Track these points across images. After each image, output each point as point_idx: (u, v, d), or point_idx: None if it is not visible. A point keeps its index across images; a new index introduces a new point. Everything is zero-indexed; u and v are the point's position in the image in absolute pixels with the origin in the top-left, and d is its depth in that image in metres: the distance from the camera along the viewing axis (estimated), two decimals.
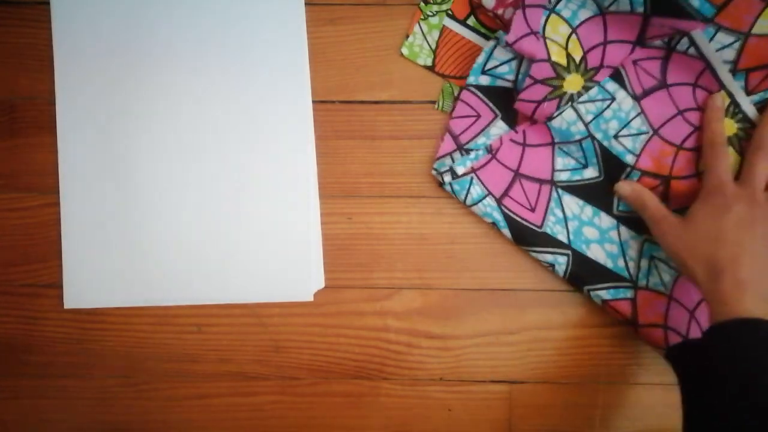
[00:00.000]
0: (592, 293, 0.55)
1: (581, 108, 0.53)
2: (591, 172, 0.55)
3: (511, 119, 0.56)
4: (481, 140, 0.56)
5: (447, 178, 0.55)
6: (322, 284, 0.58)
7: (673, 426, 0.58)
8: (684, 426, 0.48)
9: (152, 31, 0.58)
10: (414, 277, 0.58)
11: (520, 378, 0.58)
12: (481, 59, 0.55)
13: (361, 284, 0.58)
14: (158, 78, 0.58)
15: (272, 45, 0.58)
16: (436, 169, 0.56)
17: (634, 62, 0.52)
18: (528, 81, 0.52)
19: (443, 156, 0.56)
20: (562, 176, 0.56)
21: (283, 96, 0.58)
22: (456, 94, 0.57)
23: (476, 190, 0.55)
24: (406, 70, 0.58)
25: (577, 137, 0.54)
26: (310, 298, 0.58)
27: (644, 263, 0.55)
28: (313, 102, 0.58)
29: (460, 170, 0.55)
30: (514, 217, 0.55)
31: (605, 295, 0.55)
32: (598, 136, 0.53)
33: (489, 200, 0.55)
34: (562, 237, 0.55)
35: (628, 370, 0.58)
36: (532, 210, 0.55)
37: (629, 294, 0.55)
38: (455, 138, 0.56)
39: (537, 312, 0.58)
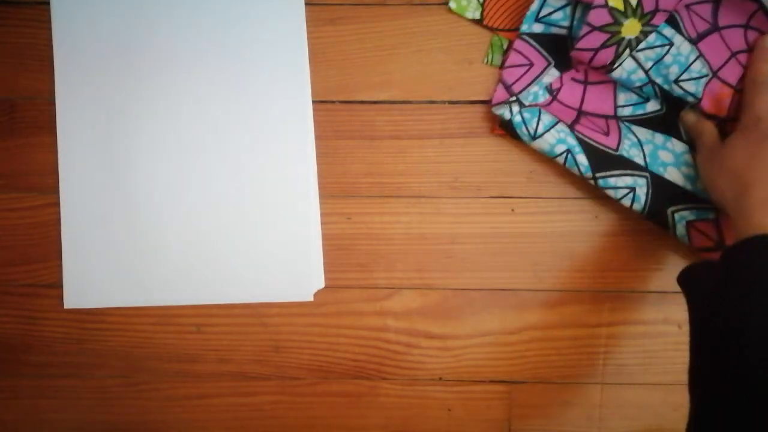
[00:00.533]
0: (676, 215, 0.54)
1: (640, 56, 0.52)
2: (653, 105, 0.55)
3: (564, 66, 0.56)
4: (534, 89, 0.55)
5: (515, 108, 0.55)
6: (322, 284, 0.58)
7: (673, 426, 0.58)
8: (693, 355, 0.45)
9: (152, 31, 0.58)
10: (414, 277, 0.58)
11: (519, 378, 0.58)
12: (534, 6, 0.55)
13: (361, 284, 0.58)
14: (158, 78, 0.58)
15: (272, 45, 0.58)
16: (495, 110, 0.56)
17: (687, 6, 0.52)
18: (585, 29, 0.51)
19: (498, 104, 0.56)
20: (625, 111, 0.56)
21: (283, 96, 0.58)
22: (505, 47, 0.57)
23: (547, 117, 0.55)
24: (406, 69, 0.58)
25: (638, 84, 0.54)
26: (310, 298, 0.58)
27: None
28: (313, 102, 0.58)
29: (527, 102, 0.55)
30: (589, 141, 0.55)
31: (690, 215, 0.54)
32: (659, 80, 0.53)
33: (561, 126, 0.55)
34: (638, 160, 0.55)
35: (628, 370, 0.58)
36: (606, 134, 0.55)
37: (711, 215, 0.54)
38: (508, 88, 0.56)
39: (537, 312, 0.58)
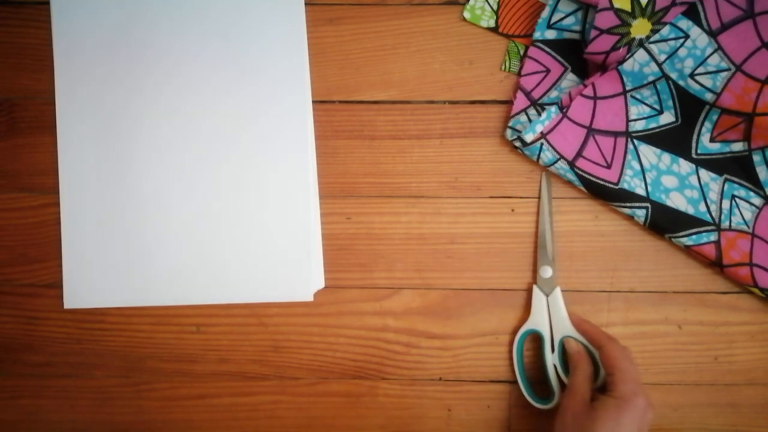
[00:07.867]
0: (674, 240, 0.55)
1: (653, 48, 0.51)
2: (667, 117, 0.55)
3: (582, 70, 0.55)
4: (554, 94, 0.55)
5: (517, 144, 0.55)
6: (322, 284, 0.58)
7: (673, 426, 0.58)
8: None
9: (152, 31, 0.58)
10: (414, 277, 0.58)
11: None
12: (545, 13, 0.55)
13: (360, 284, 0.58)
14: (158, 78, 0.58)
15: (272, 45, 0.58)
16: (510, 127, 0.56)
17: None
18: (593, 32, 0.51)
19: (517, 113, 0.56)
20: (638, 125, 0.55)
21: (283, 96, 0.58)
22: (521, 53, 0.57)
23: (547, 155, 0.54)
24: (406, 69, 0.58)
25: (651, 78, 0.53)
26: (310, 298, 0.58)
27: (726, 204, 0.54)
28: (313, 102, 0.58)
29: (529, 138, 0.54)
30: (589, 177, 0.54)
31: (687, 241, 0.54)
32: (674, 76, 0.52)
33: (561, 163, 0.55)
34: (640, 190, 0.54)
35: None
36: (608, 167, 0.55)
37: (712, 237, 0.54)
38: (527, 94, 0.56)
39: None
